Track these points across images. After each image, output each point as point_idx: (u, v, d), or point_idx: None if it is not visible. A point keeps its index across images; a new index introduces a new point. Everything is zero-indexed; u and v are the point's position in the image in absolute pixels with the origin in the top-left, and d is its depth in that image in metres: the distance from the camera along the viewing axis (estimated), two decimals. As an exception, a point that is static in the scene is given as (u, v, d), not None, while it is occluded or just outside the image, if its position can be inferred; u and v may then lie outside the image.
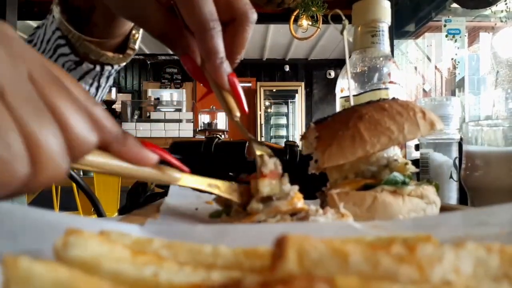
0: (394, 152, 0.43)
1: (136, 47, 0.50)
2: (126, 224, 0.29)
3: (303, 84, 6.33)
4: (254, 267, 0.17)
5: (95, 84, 0.50)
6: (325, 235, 0.21)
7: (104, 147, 0.25)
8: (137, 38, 0.50)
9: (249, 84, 6.37)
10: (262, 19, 3.87)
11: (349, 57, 0.62)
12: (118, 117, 5.02)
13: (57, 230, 0.18)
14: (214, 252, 0.18)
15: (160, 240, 0.19)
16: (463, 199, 0.69)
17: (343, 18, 0.53)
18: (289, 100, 6.41)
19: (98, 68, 0.48)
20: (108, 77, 0.51)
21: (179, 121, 5.00)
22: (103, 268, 0.15)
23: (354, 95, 0.60)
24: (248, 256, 0.17)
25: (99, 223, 0.27)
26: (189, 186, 0.33)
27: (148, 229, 0.27)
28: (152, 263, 0.16)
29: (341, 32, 0.53)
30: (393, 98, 0.46)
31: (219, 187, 0.35)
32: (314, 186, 0.45)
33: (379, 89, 0.59)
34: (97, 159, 0.25)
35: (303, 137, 0.45)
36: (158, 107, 5.37)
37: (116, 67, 0.50)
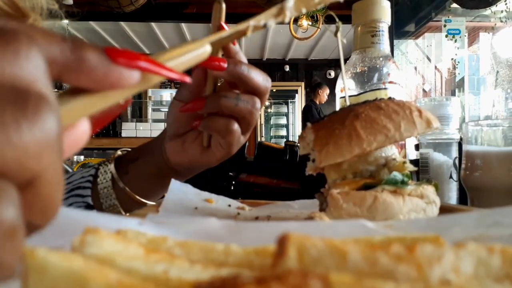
0: (392, 151, 0.43)
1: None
2: (142, 220, 0.30)
3: (303, 84, 6.32)
4: (264, 265, 0.17)
5: None
6: (339, 234, 0.21)
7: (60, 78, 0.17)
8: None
9: (249, 84, 6.35)
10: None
11: (348, 57, 0.62)
12: (118, 117, 5.02)
13: (79, 228, 0.19)
14: (226, 251, 0.18)
15: (173, 239, 0.19)
16: (463, 199, 0.69)
17: (337, 20, 0.53)
18: (289, 100, 6.41)
19: None
20: None
21: (179, 121, 4.99)
22: (116, 265, 0.16)
23: (354, 95, 0.60)
24: (259, 255, 0.18)
25: (119, 221, 0.28)
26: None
27: (167, 225, 0.27)
28: (164, 261, 0.16)
29: (335, 34, 0.53)
30: (389, 98, 0.46)
31: None
32: (314, 186, 0.45)
33: (378, 89, 0.59)
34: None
35: (300, 138, 0.45)
36: (158, 107, 5.36)
37: None
